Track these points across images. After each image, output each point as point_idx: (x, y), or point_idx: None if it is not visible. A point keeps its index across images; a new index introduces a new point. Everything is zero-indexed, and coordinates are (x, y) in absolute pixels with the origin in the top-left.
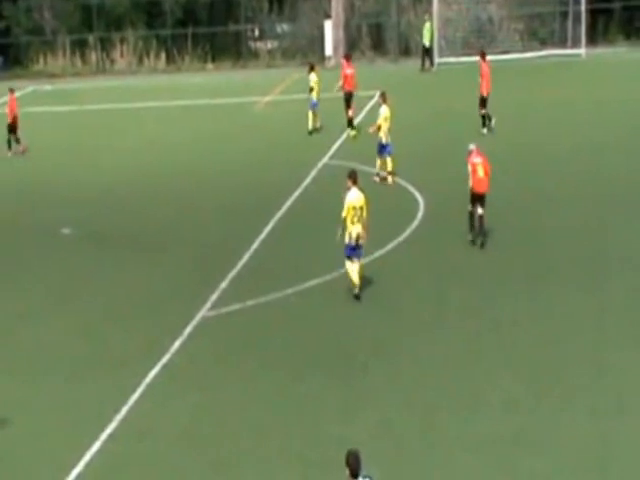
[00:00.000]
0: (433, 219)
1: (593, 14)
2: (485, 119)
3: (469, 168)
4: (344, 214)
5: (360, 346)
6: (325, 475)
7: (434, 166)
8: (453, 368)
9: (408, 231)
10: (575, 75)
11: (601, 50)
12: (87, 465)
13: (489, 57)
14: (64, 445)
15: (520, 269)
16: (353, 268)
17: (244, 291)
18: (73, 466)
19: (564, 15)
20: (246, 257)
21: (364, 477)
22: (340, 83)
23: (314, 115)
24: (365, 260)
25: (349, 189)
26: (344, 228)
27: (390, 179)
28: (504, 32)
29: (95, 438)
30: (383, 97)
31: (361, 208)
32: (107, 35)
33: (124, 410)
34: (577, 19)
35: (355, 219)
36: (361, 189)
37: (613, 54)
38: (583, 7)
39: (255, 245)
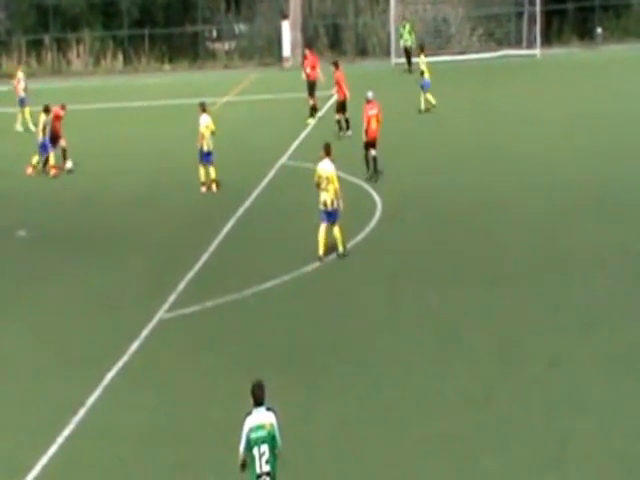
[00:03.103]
0: (390, 218)
1: (548, 15)
2: (340, 123)
3: (365, 118)
4: (315, 180)
5: (318, 346)
6: (285, 473)
7: (391, 165)
8: (411, 367)
9: (367, 230)
10: (530, 75)
11: (556, 50)
12: (44, 467)
13: (446, 57)
14: (20, 447)
15: (475, 269)
16: (322, 233)
17: (202, 292)
18: (30, 468)
19: (519, 16)
20: (204, 258)
21: (268, 409)
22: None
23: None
24: (325, 260)
25: (322, 159)
26: (319, 195)
27: (214, 187)
28: (460, 33)
29: (52, 441)
30: (202, 106)
31: (327, 178)
32: (63, 36)
33: (81, 412)
34: (532, 20)
35: (323, 186)
36: (333, 160)
37: (567, 54)
38: (538, 8)
39: (213, 246)
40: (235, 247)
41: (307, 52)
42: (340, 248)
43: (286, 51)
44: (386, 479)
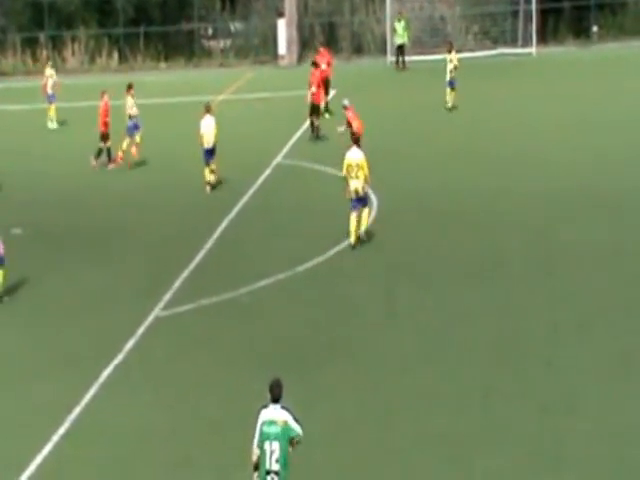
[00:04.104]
0: (387, 217)
1: (544, 14)
2: (313, 126)
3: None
4: (344, 171)
5: (314, 345)
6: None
7: (387, 165)
8: (407, 367)
9: (363, 229)
10: (526, 73)
11: (551, 49)
12: (39, 467)
13: (441, 56)
14: (15, 446)
15: (470, 266)
16: (353, 221)
17: (197, 290)
18: (25, 468)
19: (515, 14)
20: (199, 257)
21: (283, 407)
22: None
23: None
24: (320, 259)
25: (350, 148)
26: (347, 184)
27: (211, 184)
28: (456, 31)
29: (47, 439)
30: (207, 107)
31: (357, 165)
32: (58, 33)
33: (77, 410)
34: (528, 18)
35: (353, 174)
36: (361, 149)
37: (563, 53)
38: (534, 7)
39: (208, 245)
40: (230, 246)
41: (321, 49)
42: (362, 228)
43: (282, 49)
44: (382, 477)
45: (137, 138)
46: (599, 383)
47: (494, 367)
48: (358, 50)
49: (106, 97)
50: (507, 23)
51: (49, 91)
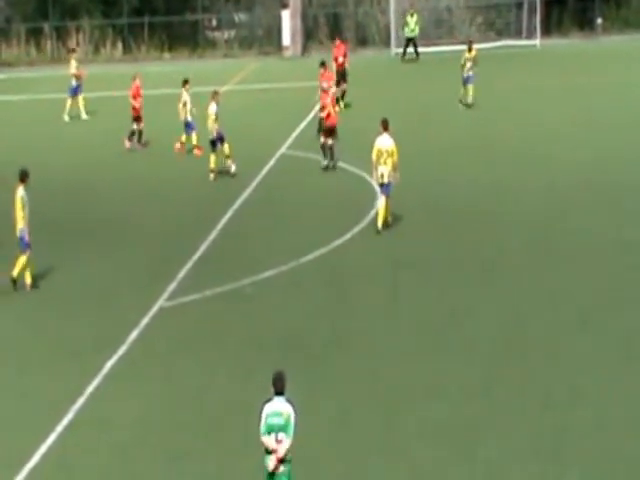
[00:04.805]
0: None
1: (548, 6)
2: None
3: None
4: (373, 156)
5: (317, 336)
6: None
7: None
8: (410, 357)
9: (366, 220)
10: (530, 65)
11: (555, 41)
12: (43, 457)
13: (445, 48)
14: (19, 437)
15: (473, 260)
16: (382, 207)
17: (201, 281)
18: (29, 458)
19: (519, 6)
20: (203, 247)
21: (287, 400)
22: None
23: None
24: (324, 250)
25: (380, 134)
26: (374, 169)
27: (212, 176)
28: (461, 23)
29: (51, 429)
30: (212, 94)
31: (387, 151)
32: (62, 24)
33: (80, 401)
34: (532, 10)
35: (382, 160)
36: (391, 135)
37: (567, 45)
38: None
39: (212, 235)
40: (234, 237)
41: (338, 41)
42: (380, 225)
43: (286, 40)
44: (385, 468)
45: (193, 137)
46: (601, 376)
47: (496, 360)
48: (362, 41)
49: (137, 80)
50: (511, 15)
51: (73, 83)
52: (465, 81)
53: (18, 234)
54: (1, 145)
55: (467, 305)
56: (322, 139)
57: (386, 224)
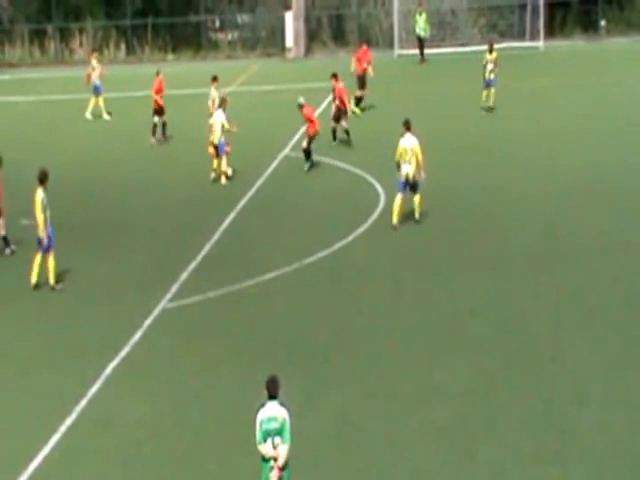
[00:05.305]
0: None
1: (551, 7)
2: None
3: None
4: (396, 156)
5: (320, 337)
6: None
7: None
8: (413, 358)
9: (369, 221)
10: (533, 67)
11: (559, 43)
12: (46, 457)
13: (447, 49)
14: (22, 437)
15: (477, 259)
16: (398, 203)
17: (205, 282)
18: (32, 459)
19: (523, 8)
20: (207, 248)
21: (281, 403)
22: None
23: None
24: (327, 252)
25: (403, 135)
26: (398, 167)
27: (224, 179)
28: (464, 24)
29: (54, 430)
30: (221, 101)
31: (411, 150)
32: (66, 25)
33: (83, 402)
34: (535, 12)
35: (407, 159)
36: (415, 135)
37: (570, 47)
38: (541, 0)
39: (216, 236)
40: (237, 238)
41: (364, 47)
42: (417, 215)
43: (289, 42)
44: (387, 469)
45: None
46: (604, 376)
47: (500, 360)
48: (366, 43)
49: (161, 76)
50: (514, 16)
51: (96, 82)
52: (487, 84)
53: (40, 235)
54: (2, 145)
55: (470, 306)
56: (305, 144)
57: (418, 219)
